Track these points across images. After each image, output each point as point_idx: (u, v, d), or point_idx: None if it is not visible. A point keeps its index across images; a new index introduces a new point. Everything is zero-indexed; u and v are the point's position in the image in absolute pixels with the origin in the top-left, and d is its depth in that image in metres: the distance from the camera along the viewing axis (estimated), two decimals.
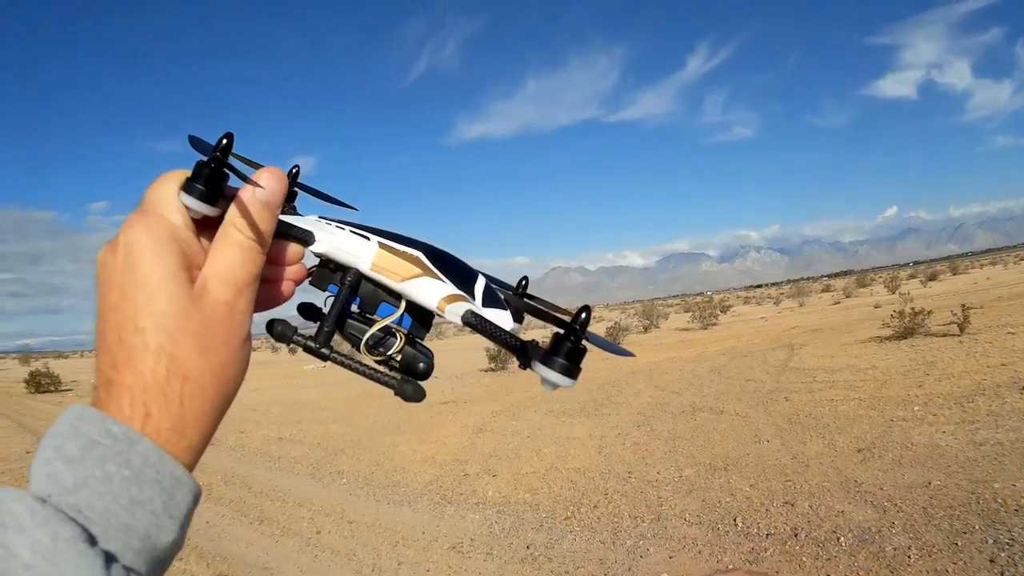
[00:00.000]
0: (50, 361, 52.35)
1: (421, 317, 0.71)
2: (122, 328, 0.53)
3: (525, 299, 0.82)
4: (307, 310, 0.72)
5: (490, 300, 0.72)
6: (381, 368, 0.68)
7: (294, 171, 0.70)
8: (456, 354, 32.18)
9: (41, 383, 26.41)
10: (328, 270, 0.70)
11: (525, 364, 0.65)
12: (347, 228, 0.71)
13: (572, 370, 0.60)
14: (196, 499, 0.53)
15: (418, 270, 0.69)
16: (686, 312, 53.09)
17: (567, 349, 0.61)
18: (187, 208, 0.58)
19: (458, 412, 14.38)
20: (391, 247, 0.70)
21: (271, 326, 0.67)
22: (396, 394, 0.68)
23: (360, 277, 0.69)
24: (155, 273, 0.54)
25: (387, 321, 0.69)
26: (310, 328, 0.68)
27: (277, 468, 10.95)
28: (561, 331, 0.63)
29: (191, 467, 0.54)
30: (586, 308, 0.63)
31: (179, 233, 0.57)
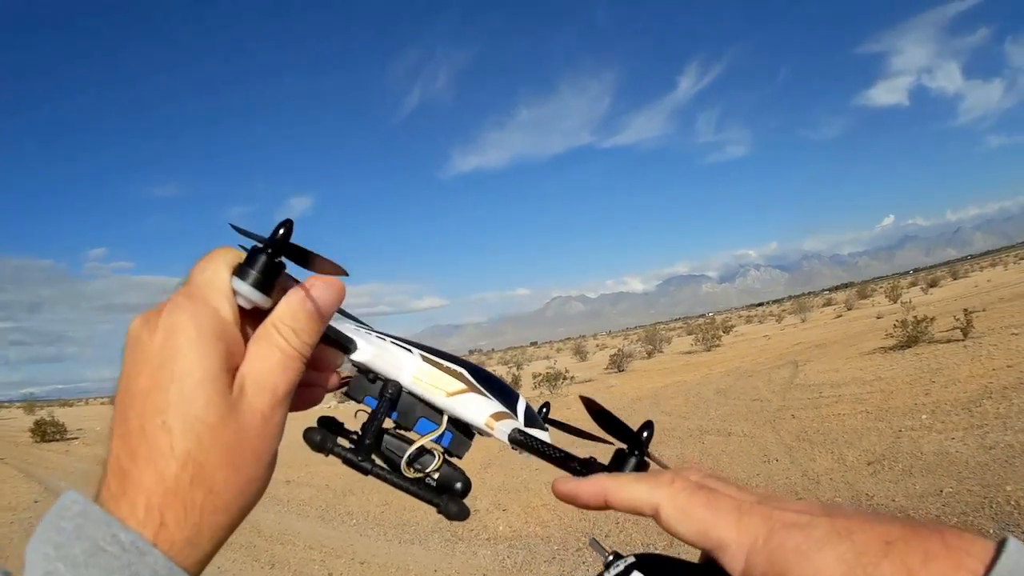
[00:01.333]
0: (55, 409, 51.79)
1: (461, 434, 0.71)
2: (147, 419, 0.49)
3: (548, 422, 0.81)
4: (327, 424, 0.69)
5: (531, 420, 0.73)
6: (424, 486, 0.68)
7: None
8: None
9: (47, 432, 26.07)
10: (367, 380, 0.69)
11: None
12: (388, 339, 0.71)
13: None
14: None
15: (463, 386, 0.69)
16: (689, 335, 52.98)
17: (633, 465, 0.64)
18: (236, 294, 0.54)
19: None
20: (435, 360, 0.70)
21: (309, 434, 0.66)
22: (440, 512, 0.67)
23: (400, 390, 0.68)
24: (196, 372, 0.50)
25: (429, 437, 0.68)
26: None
27: (286, 511, 10.87)
28: (623, 446, 0.65)
29: (194, 564, 0.49)
30: (649, 425, 0.66)
31: (227, 328, 0.53)
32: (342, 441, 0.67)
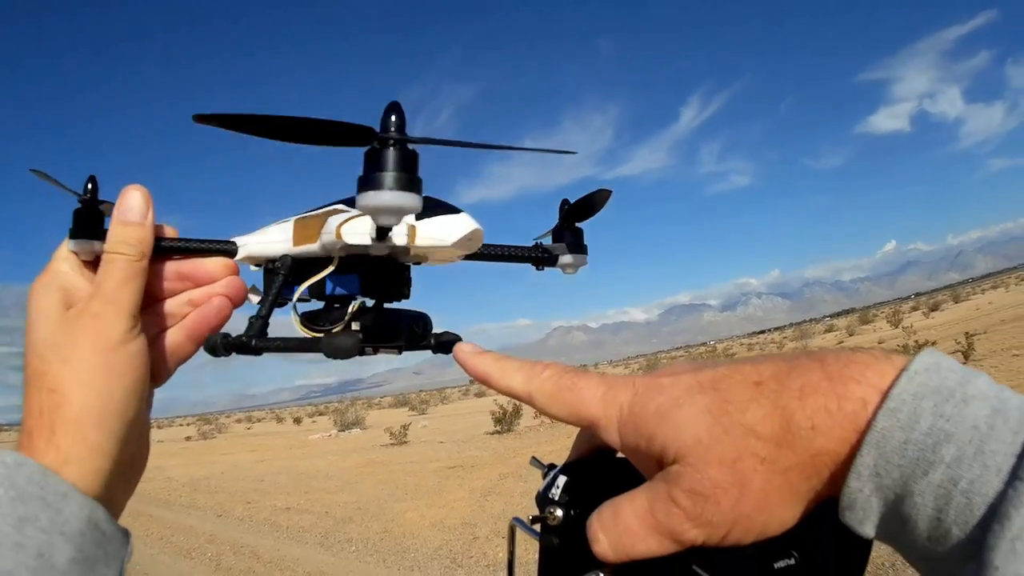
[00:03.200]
0: None
1: (378, 279, 0.64)
2: (23, 372, 0.57)
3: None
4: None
5: (436, 209, 0.60)
6: (306, 334, 0.62)
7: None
8: (461, 418, 31.99)
9: None
10: (270, 273, 0.66)
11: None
12: (284, 221, 0.66)
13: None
14: (96, 513, 0.53)
15: (343, 218, 0.59)
16: None
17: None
18: (76, 253, 0.60)
19: (466, 476, 14.20)
20: (308, 215, 0.64)
21: (207, 343, 0.64)
22: (322, 350, 0.60)
23: (290, 259, 0.64)
24: (33, 312, 0.58)
25: (309, 283, 0.63)
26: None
27: (286, 537, 10.79)
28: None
29: (93, 485, 0.54)
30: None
31: (64, 278, 0.60)
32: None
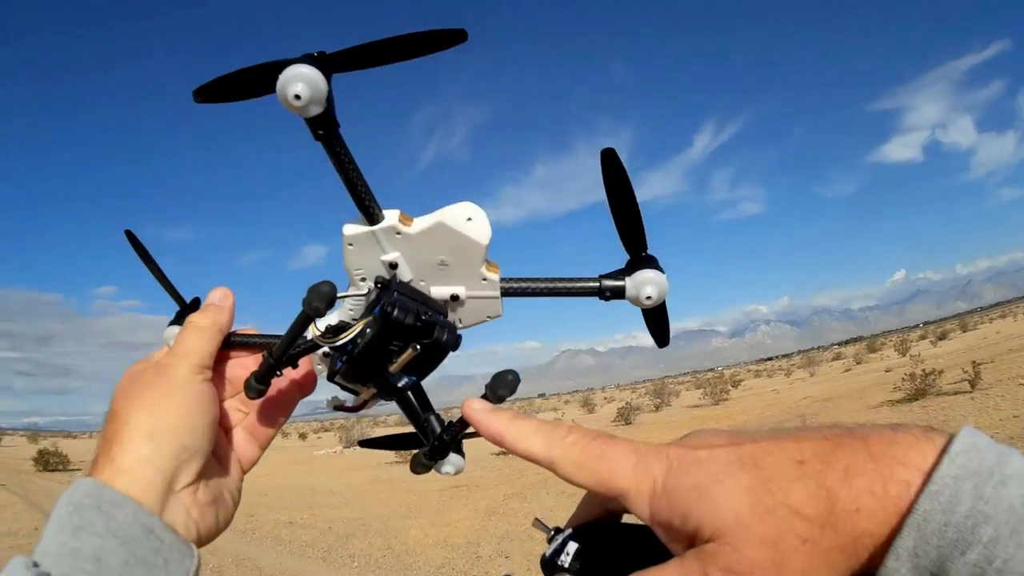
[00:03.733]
0: (59, 440, 50.80)
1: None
2: None
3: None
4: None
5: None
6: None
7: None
8: None
9: (49, 462, 25.88)
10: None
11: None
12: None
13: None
14: (149, 520, 0.56)
15: None
16: (697, 388, 52.33)
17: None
18: (167, 341, 0.76)
19: (470, 495, 14.20)
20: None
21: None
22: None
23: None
24: (122, 376, 0.67)
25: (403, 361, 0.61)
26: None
27: (288, 552, 10.79)
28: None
29: (146, 494, 0.58)
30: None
31: (154, 355, 0.69)
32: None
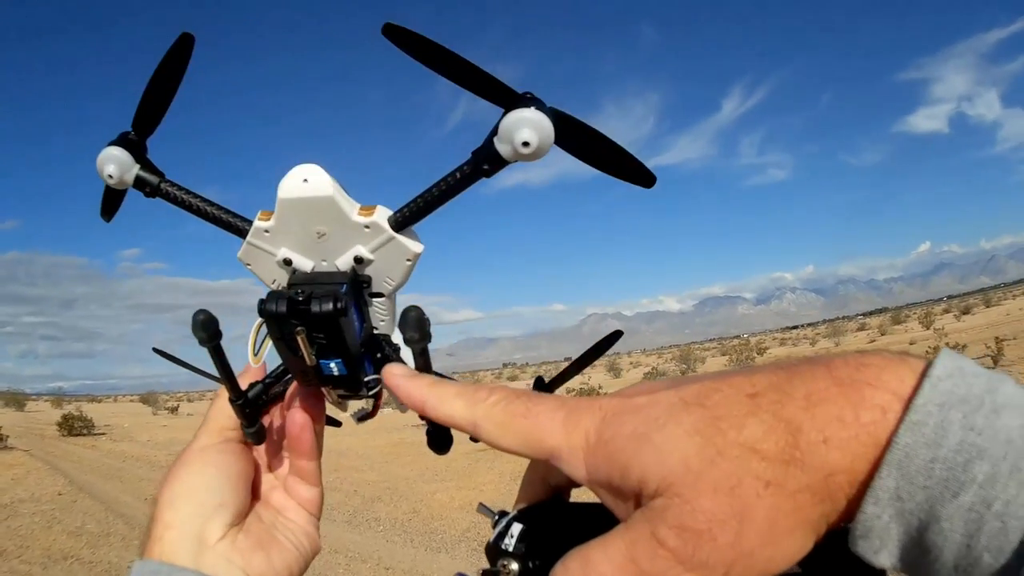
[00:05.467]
0: (83, 404, 51.39)
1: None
2: None
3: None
4: None
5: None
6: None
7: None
8: None
9: (74, 426, 26.08)
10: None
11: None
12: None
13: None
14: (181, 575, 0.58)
15: None
16: (723, 355, 52.15)
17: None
18: None
19: (496, 460, 14.18)
20: None
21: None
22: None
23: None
24: None
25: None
26: None
27: None
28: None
29: (174, 554, 0.59)
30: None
31: None
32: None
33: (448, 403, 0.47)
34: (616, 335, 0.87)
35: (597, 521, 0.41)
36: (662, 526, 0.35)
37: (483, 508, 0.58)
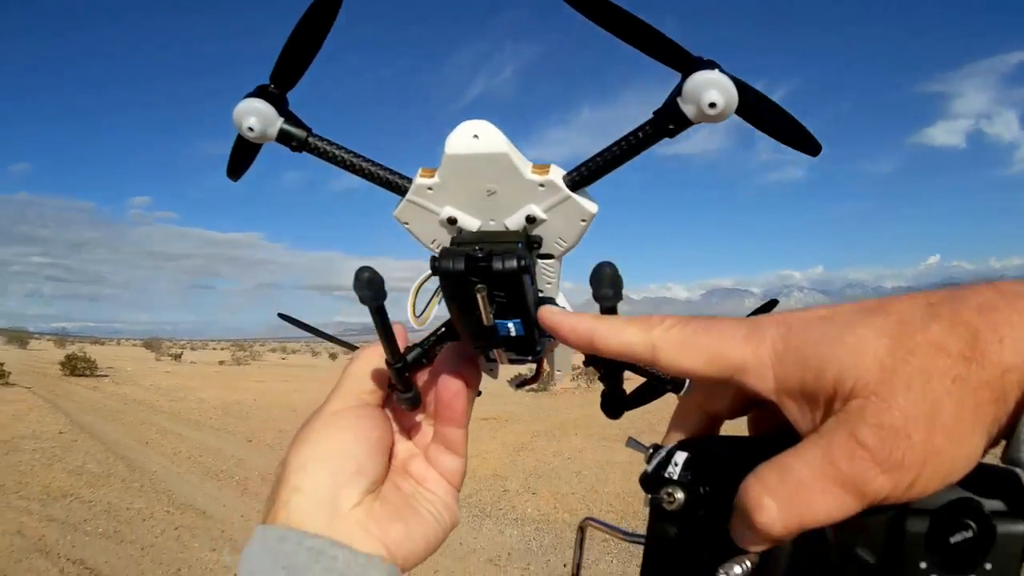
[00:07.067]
0: (86, 346, 51.59)
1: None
2: None
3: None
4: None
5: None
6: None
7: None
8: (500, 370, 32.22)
9: (77, 366, 26.02)
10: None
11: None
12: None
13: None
14: (312, 542, 0.55)
15: None
16: None
17: None
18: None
19: (499, 430, 14.24)
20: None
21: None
22: None
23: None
24: None
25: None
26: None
27: None
28: None
29: (296, 517, 0.56)
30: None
31: None
32: None
33: (621, 331, 0.45)
34: (772, 303, 0.87)
35: (763, 450, 0.40)
36: (861, 425, 0.35)
37: (633, 442, 0.57)
